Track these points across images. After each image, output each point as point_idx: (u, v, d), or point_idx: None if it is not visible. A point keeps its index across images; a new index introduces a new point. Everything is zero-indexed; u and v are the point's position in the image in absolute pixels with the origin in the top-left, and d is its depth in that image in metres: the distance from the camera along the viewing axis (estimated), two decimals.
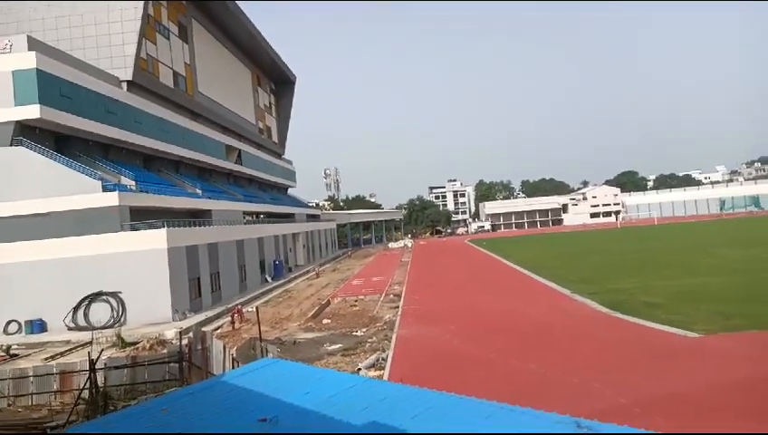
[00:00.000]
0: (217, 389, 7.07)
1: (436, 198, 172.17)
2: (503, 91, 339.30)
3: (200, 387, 7.62)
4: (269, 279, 45.24)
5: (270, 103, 72.87)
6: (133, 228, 28.64)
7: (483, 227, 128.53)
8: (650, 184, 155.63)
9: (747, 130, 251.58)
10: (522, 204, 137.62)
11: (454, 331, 19.49)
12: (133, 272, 27.14)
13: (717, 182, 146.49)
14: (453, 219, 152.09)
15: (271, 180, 68.29)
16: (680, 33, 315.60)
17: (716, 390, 10.81)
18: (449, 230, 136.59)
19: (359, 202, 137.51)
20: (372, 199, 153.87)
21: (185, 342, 17.55)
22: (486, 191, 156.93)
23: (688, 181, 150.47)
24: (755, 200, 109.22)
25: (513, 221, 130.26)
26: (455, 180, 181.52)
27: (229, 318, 27.35)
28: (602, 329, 18.07)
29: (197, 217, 37.21)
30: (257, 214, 54.70)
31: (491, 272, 40.21)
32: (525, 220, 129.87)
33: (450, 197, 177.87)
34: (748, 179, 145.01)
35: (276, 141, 74.59)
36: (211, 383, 7.94)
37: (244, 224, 45.53)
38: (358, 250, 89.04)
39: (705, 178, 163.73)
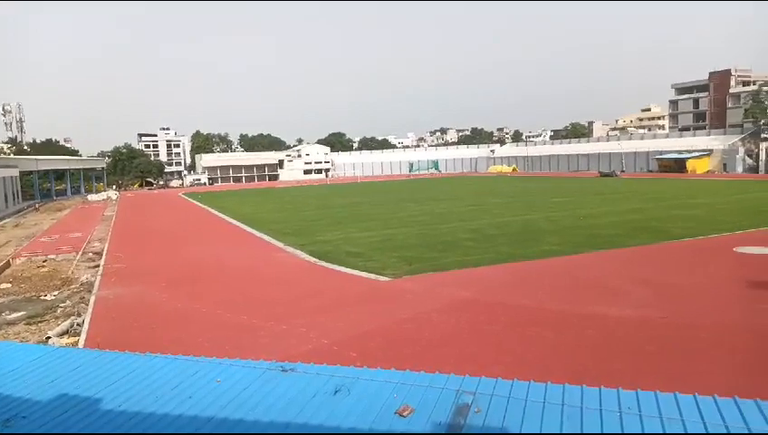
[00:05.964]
0: None
1: (147, 146, 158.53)
2: (220, 43, 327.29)
3: None
4: None
5: None
6: None
7: (199, 180, 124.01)
8: (355, 145, 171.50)
9: (431, 104, 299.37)
10: (240, 158, 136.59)
11: (163, 288, 18.61)
12: None
13: (408, 147, 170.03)
14: (166, 171, 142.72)
15: None
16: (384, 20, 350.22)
17: (400, 324, 12.89)
18: (162, 182, 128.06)
19: (50, 147, 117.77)
20: (68, 145, 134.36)
21: None
22: (203, 143, 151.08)
23: (386, 145, 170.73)
24: (435, 164, 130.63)
25: (231, 175, 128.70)
26: (168, 129, 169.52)
27: None
28: (310, 277, 19.55)
29: None
30: None
31: (205, 226, 39.28)
32: (243, 174, 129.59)
33: (163, 146, 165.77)
34: (431, 146, 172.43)
35: None
36: None
37: None
38: (49, 203, 76.60)
39: (399, 142, 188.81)
